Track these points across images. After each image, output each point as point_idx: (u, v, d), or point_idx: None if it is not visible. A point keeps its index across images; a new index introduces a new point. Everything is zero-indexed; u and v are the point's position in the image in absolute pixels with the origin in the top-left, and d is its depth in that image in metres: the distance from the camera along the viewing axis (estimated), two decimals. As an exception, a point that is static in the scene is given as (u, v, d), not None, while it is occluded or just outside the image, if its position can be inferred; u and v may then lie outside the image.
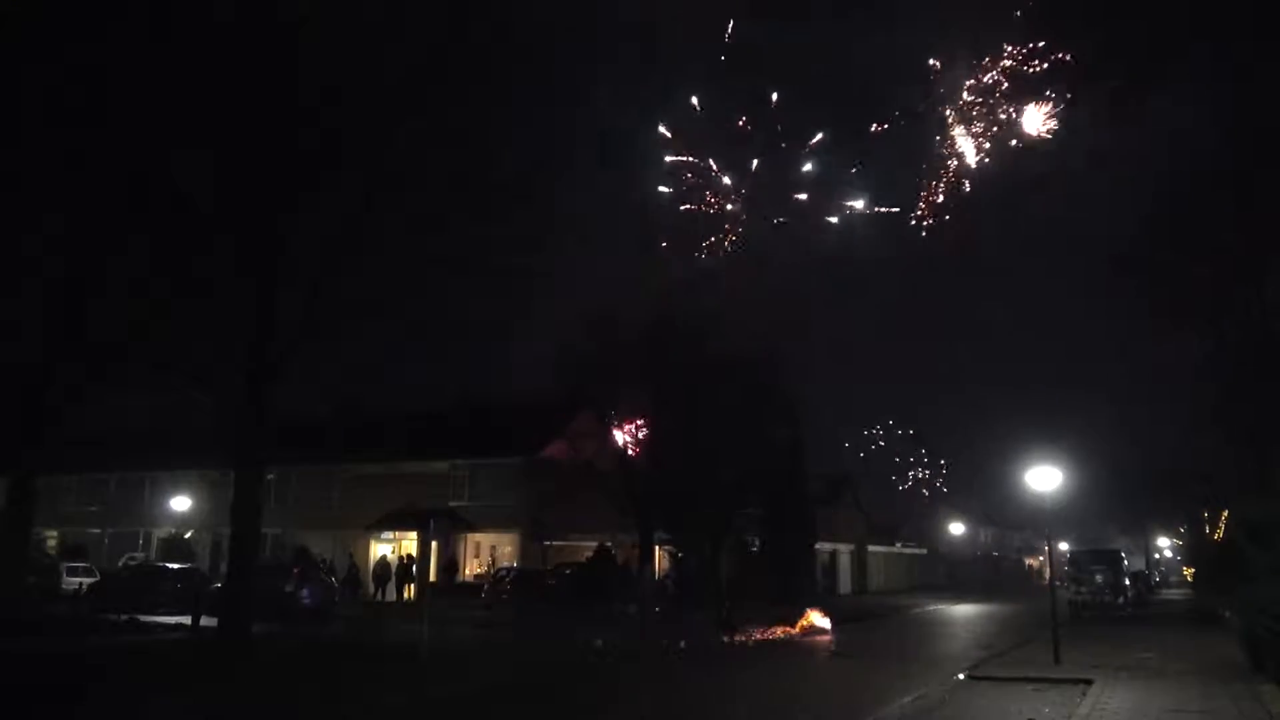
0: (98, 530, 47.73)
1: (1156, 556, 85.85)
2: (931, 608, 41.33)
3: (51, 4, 17.85)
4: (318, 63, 19.47)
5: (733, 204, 24.80)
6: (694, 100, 24.79)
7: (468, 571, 40.16)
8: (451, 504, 39.45)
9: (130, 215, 19.68)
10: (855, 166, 24.90)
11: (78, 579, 33.95)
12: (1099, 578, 34.74)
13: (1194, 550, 59.21)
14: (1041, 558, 71.53)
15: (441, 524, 25.00)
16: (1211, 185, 27.86)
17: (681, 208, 25.21)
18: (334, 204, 20.77)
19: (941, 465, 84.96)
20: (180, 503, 39.57)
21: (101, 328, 21.64)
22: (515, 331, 23.88)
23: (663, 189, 25.40)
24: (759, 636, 24.58)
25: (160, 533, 45.36)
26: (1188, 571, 66.63)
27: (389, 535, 40.11)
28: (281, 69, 18.90)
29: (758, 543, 40.32)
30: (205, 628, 21.31)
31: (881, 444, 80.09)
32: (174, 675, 16.29)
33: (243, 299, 20.56)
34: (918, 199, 22.45)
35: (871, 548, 58.80)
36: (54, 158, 18.58)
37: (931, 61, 21.34)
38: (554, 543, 38.72)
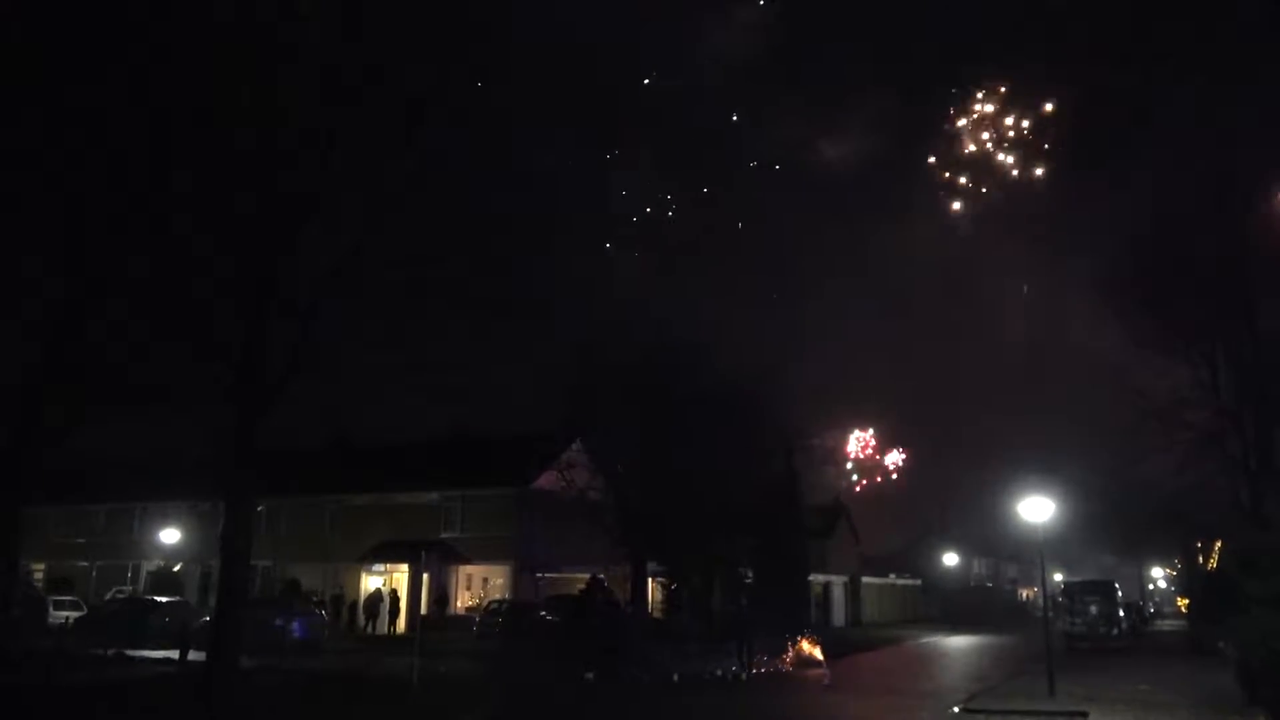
0: (85, 563, 47.18)
1: (1150, 587, 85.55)
2: (926, 640, 41.08)
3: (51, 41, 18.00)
4: (308, 91, 19.53)
5: None
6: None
7: (459, 604, 39.81)
8: (443, 536, 39.24)
9: (123, 241, 19.67)
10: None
11: (64, 613, 33.47)
12: (1093, 609, 34.59)
13: (1188, 581, 58.99)
14: (1035, 589, 71.24)
15: (432, 556, 24.83)
16: (1189, 228, 28.54)
17: None
18: (329, 230, 20.77)
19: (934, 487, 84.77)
20: (169, 535, 39.22)
21: (93, 355, 21.52)
22: (508, 362, 23.90)
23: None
24: (751, 670, 24.34)
25: (149, 566, 44.87)
26: (1182, 602, 66.31)
27: (380, 567, 39.79)
28: (265, 87, 18.90)
29: (750, 574, 40.06)
30: (194, 662, 21.06)
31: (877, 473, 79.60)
32: (160, 711, 16.07)
33: (234, 327, 20.49)
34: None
35: (865, 579, 58.48)
36: (48, 180, 18.62)
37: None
38: (546, 575, 38.44)
